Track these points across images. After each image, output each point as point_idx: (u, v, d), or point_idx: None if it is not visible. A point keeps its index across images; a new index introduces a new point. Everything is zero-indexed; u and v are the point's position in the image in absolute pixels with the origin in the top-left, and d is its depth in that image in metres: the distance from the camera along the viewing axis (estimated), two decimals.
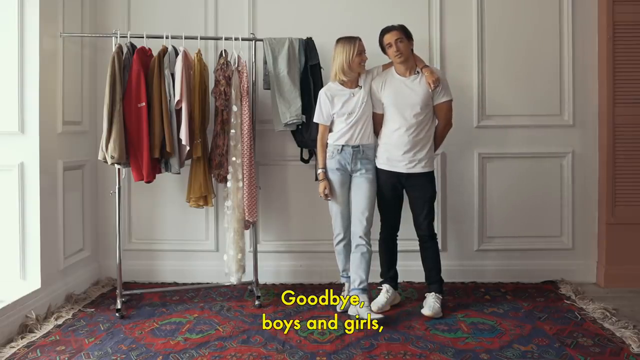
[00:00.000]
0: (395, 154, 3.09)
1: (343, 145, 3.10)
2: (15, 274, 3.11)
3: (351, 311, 3.07)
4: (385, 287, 3.26)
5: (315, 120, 3.18)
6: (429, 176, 3.14)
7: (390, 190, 3.16)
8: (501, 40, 3.69)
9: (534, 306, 3.26)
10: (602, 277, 3.63)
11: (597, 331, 2.87)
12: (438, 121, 3.18)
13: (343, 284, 3.30)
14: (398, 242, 3.31)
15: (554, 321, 3.01)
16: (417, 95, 3.05)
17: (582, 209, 3.72)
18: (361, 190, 3.12)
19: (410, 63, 3.11)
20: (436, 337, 2.81)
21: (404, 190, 3.19)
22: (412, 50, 3.11)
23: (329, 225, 3.31)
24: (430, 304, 3.09)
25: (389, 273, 3.28)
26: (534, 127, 3.70)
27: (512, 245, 3.73)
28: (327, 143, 3.16)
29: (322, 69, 3.44)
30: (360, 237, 3.10)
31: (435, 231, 3.24)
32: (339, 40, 3.09)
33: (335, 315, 3.12)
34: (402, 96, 3.07)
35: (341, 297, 3.26)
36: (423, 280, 3.29)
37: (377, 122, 3.18)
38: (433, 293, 3.16)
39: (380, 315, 2.97)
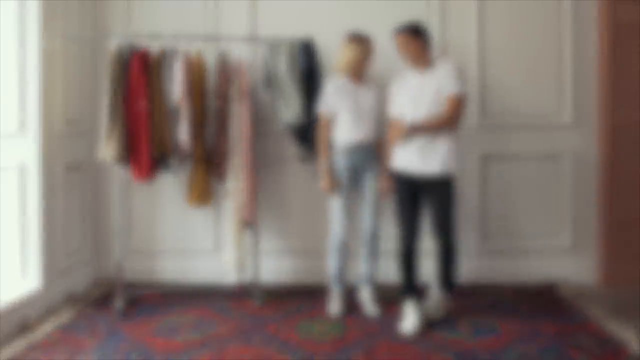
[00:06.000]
0: (409, 157, 2.97)
1: (351, 143, 3.12)
2: (16, 274, 3.10)
3: (363, 298, 3.21)
4: (411, 303, 3.01)
5: (319, 110, 3.18)
6: (444, 179, 2.94)
7: (407, 195, 3.02)
8: (501, 40, 3.69)
9: (534, 306, 3.26)
10: (602, 277, 3.63)
11: (597, 331, 2.87)
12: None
13: (334, 290, 3.24)
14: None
15: (554, 321, 3.01)
16: (425, 96, 2.94)
17: (582, 209, 3.72)
18: (372, 187, 3.17)
19: (423, 62, 2.97)
20: (436, 337, 2.81)
21: (422, 197, 3.03)
22: (425, 46, 2.97)
23: (329, 224, 3.30)
24: (434, 305, 3.09)
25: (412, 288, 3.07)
26: (533, 127, 3.70)
27: (512, 245, 3.73)
28: (328, 138, 3.16)
29: (322, 69, 3.44)
30: (372, 230, 3.18)
31: (450, 241, 3.01)
32: (351, 38, 3.09)
33: (335, 315, 3.13)
34: (412, 99, 2.98)
35: (333, 302, 3.23)
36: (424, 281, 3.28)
37: (394, 127, 3.08)
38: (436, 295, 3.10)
39: (376, 313, 3.08)
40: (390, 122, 3.10)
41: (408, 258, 3.04)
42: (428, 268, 3.22)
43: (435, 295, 3.12)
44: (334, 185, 3.12)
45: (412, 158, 2.96)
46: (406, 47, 2.96)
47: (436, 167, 2.92)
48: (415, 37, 2.96)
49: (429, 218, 3.04)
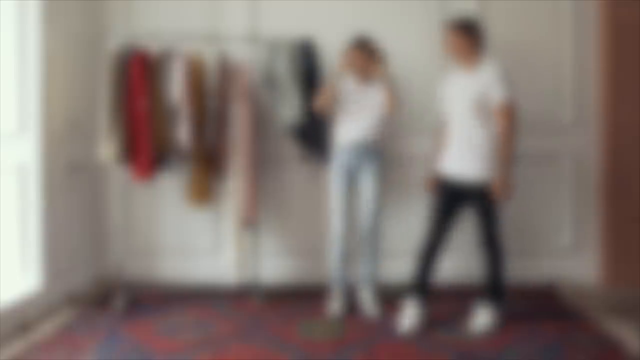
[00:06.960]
0: (449, 161, 2.94)
1: (350, 142, 3.12)
2: (16, 274, 3.10)
3: (363, 298, 3.19)
4: (413, 302, 2.95)
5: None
6: (487, 187, 2.85)
7: (445, 199, 2.96)
8: (501, 40, 3.68)
9: (534, 306, 3.26)
10: (602, 277, 3.62)
11: (597, 331, 2.87)
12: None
13: (334, 289, 3.25)
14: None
15: (554, 321, 3.01)
16: (466, 100, 2.84)
17: (582, 209, 3.71)
18: (370, 184, 3.16)
19: (468, 61, 2.88)
20: (436, 337, 2.81)
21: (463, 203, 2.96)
22: (472, 45, 2.88)
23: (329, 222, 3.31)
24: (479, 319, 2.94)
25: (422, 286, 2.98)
26: (533, 127, 3.68)
27: (512, 245, 3.70)
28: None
29: (322, 69, 3.44)
30: (372, 230, 3.18)
31: (496, 250, 2.96)
32: (350, 42, 3.11)
33: (335, 315, 3.13)
34: (453, 101, 2.93)
35: (333, 301, 3.23)
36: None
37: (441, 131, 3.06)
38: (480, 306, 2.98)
39: (376, 314, 3.07)
40: (439, 126, 3.06)
41: (428, 256, 2.95)
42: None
43: (477, 309, 2.98)
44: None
45: (452, 162, 2.92)
46: (450, 43, 2.89)
47: (477, 172, 2.85)
48: (461, 34, 2.87)
49: (475, 229, 3.00)
